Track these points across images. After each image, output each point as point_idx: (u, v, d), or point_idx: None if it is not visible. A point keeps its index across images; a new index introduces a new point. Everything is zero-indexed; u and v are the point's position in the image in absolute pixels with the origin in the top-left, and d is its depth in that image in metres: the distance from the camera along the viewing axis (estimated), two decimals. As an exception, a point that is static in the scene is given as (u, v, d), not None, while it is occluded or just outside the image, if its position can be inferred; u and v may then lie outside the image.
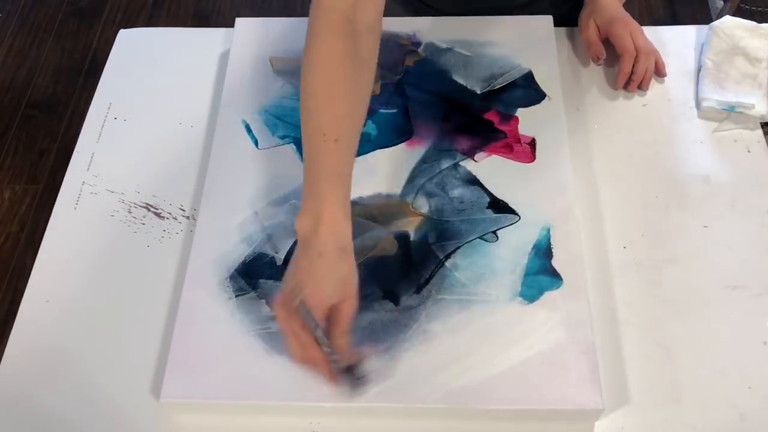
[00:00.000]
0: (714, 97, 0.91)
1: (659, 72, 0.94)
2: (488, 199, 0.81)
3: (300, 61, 0.94)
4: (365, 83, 0.72)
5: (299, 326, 0.66)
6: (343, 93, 0.69)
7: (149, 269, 0.81)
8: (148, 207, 0.86)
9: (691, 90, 0.94)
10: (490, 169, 0.84)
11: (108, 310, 0.79)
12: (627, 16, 0.96)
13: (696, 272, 0.79)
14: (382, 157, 0.86)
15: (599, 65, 0.95)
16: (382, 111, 0.89)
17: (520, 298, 0.74)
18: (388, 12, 0.82)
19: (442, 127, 0.88)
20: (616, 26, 0.94)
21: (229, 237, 0.79)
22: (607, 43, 0.95)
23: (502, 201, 0.81)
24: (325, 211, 0.66)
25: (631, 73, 0.93)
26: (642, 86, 0.93)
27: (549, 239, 0.78)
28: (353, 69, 0.70)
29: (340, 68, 0.69)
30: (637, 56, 0.92)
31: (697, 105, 0.92)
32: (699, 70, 0.95)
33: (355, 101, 0.70)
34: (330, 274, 0.66)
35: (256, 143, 0.87)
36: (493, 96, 0.90)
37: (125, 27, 1.08)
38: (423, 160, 0.85)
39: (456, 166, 0.84)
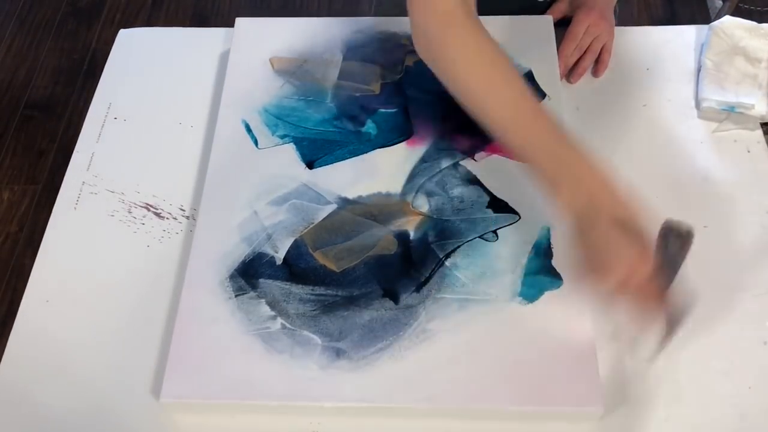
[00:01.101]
0: (714, 97, 0.91)
1: (594, 71, 0.96)
2: (488, 199, 0.81)
3: (300, 61, 0.94)
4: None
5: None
6: (511, 71, 0.72)
7: (149, 269, 0.81)
8: (148, 207, 0.86)
9: (691, 90, 0.94)
10: (490, 168, 0.84)
11: (108, 310, 0.79)
12: (604, 16, 0.95)
13: (696, 272, 0.79)
14: (382, 156, 0.86)
15: (572, 82, 0.96)
16: (382, 110, 0.89)
17: (520, 298, 0.74)
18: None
19: (442, 126, 0.88)
20: (580, 12, 0.95)
21: (229, 237, 0.79)
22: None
23: (502, 200, 0.81)
24: (587, 174, 0.64)
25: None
26: (571, 78, 0.95)
27: (549, 239, 0.78)
28: (501, 51, 0.72)
29: (497, 52, 0.71)
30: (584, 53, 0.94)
31: (697, 105, 0.92)
32: (699, 70, 0.95)
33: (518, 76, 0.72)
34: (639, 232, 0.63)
35: (256, 143, 0.87)
36: (493, 96, 0.90)
37: (124, 27, 1.08)
38: (423, 160, 0.85)
39: (456, 165, 0.84)
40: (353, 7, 2.19)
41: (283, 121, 0.89)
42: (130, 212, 0.86)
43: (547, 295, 0.74)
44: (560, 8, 1.01)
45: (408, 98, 0.90)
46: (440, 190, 0.82)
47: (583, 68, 0.94)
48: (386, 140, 0.87)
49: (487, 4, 1.01)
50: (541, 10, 1.03)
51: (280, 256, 0.78)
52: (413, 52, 0.94)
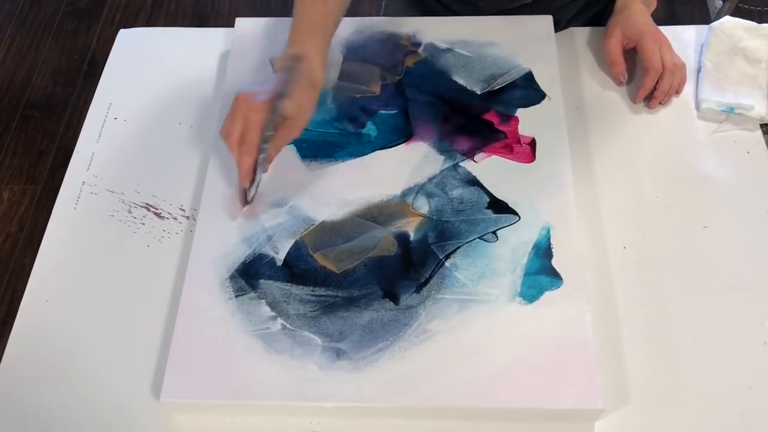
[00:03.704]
0: (713, 98, 0.91)
1: (677, 90, 0.93)
2: (488, 200, 0.81)
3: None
4: None
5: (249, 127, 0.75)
6: None
7: (149, 269, 0.81)
8: (148, 207, 0.86)
9: (691, 91, 0.94)
10: (490, 169, 0.84)
11: (108, 310, 0.79)
12: (657, 30, 0.93)
13: (696, 272, 0.79)
14: (382, 157, 0.86)
15: (621, 86, 0.94)
16: (382, 112, 0.89)
17: (520, 298, 0.74)
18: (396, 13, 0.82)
19: (442, 127, 0.88)
20: (646, 40, 0.91)
21: (229, 237, 0.79)
22: (630, 53, 0.94)
23: (502, 201, 0.81)
24: (306, 54, 0.79)
25: (654, 89, 0.91)
26: (663, 102, 0.92)
27: (549, 239, 0.78)
28: None
29: None
30: (662, 73, 0.90)
31: (697, 106, 0.92)
32: (698, 70, 0.95)
33: None
34: (296, 94, 0.76)
35: (256, 143, 0.87)
36: (493, 96, 0.90)
37: (124, 27, 1.08)
38: (423, 161, 0.85)
39: (456, 166, 0.84)
40: (353, 7, 2.17)
41: (283, 122, 0.89)
42: (130, 212, 0.86)
43: (547, 295, 0.74)
44: (617, 39, 0.94)
45: (408, 99, 0.90)
46: (440, 191, 0.82)
47: (662, 91, 0.91)
48: (386, 142, 0.87)
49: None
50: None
51: (280, 257, 0.78)
52: (413, 52, 0.95)
